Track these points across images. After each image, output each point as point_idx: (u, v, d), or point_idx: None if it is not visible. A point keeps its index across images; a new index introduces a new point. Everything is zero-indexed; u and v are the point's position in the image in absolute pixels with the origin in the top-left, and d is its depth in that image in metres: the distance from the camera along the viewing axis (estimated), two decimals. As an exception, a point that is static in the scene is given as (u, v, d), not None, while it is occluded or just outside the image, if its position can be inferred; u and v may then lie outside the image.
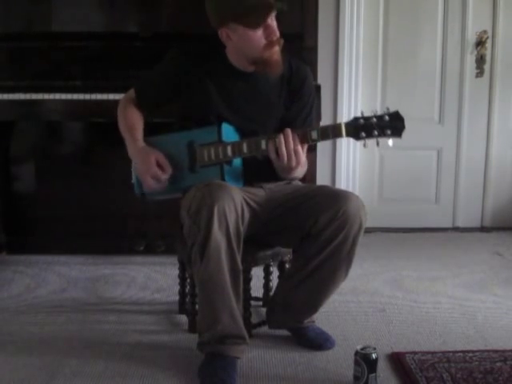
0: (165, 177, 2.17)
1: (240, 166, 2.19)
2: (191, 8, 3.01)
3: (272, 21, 2.10)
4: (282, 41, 2.14)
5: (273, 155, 2.04)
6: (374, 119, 1.99)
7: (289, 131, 2.03)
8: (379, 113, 2.00)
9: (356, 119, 2.01)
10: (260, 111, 2.22)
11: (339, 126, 2.02)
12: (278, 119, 2.24)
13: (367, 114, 2.01)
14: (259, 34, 2.09)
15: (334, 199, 2.10)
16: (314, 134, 2.04)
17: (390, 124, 1.98)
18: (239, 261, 2.04)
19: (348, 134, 2.01)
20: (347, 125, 2.01)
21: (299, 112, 2.26)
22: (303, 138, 2.04)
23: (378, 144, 2.01)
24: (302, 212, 2.14)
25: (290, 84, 2.25)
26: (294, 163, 2.03)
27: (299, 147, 2.02)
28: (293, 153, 2.02)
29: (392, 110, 2.00)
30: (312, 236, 2.12)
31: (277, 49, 2.13)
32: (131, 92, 2.35)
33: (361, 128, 1.99)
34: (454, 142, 3.82)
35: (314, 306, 2.25)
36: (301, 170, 2.16)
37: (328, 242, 2.09)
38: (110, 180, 3.21)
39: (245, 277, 2.24)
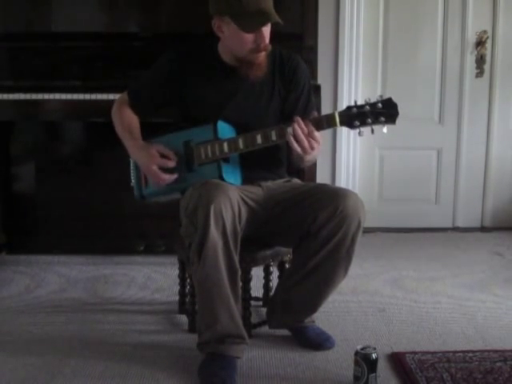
0: (171, 164, 2.16)
1: (238, 162, 2.19)
2: (191, 8, 3.01)
3: (265, 28, 2.10)
4: (269, 47, 2.14)
5: (294, 145, 2.00)
6: (367, 107, 1.99)
7: (298, 119, 2.00)
8: (372, 100, 1.99)
9: (349, 108, 2.01)
10: (254, 106, 2.22)
11: (333, 115, 2.02)
12: (277, 111, 2.24)
13: (360, 102, 2.01)
14: (250, 37, 2.09)
15: (333, 197, 2.10)
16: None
17: (384, 111, 1.98)
18: (237, 260, 2.04)
19: (342, 124, 2.01)
20: (341, 114, 2.01)
21: (297, 101, 2.24)
22: None
23: (372, 131, 2.01)
24: (300, 210, 2.14)
25: (282, 73, 2.23)
26: (314, 145, 2.00)
27: (313, 130, 2.00)
28: (309, 137, 1.99)
29: (385, 96, 1.99)
30: (311, 234, 2.12)
31: (263, 54, 2.14)
32: (124, 95, 2.35)
33: (354, 116, 1.99)
34: (454, 142, 3.81)
35: (313, 305, 2.25)
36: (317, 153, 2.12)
37: (327, 240, 2.09)
38: (110, 180, 3.20)
39: (245, 277, 2.25)
